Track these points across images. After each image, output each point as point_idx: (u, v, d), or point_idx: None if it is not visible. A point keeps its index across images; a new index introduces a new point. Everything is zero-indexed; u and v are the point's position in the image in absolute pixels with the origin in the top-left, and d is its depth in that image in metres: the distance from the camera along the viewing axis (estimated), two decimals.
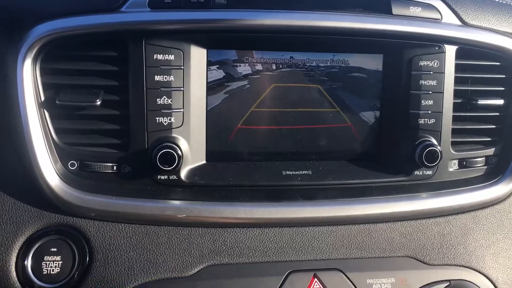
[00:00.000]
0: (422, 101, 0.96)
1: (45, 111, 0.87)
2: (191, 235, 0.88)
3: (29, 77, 0.84)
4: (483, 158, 1.03)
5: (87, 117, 0.88)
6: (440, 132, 0.97)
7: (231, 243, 0.88)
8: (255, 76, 0.94)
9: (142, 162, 0.89)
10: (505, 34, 1.00)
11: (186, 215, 0.86)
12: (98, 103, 0.86)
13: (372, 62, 0.97)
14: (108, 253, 0.85)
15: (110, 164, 0.89)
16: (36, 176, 0.85)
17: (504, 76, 1.02)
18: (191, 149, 0.91)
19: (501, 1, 1.05)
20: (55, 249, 0.85)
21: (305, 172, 0.96)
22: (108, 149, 0.89)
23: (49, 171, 0.85)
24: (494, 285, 0.97)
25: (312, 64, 0.95)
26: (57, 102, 0.85)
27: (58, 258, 0.84)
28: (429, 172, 0.98)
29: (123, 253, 0.86)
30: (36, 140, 0.85)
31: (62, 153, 0.88)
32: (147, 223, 0.87)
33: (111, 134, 0.89)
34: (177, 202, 0.88)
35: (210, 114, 0.93)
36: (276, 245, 0.90)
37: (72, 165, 0.88)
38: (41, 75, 0.86)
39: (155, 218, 0.86)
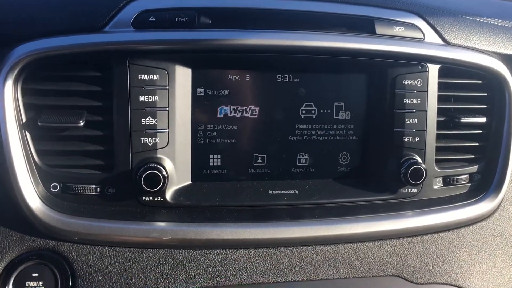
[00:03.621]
0: (407, 120, 0.97)
1: (26, 132, 0.85)
2: (176, 257, 0.86)
3: (10, 98, 0.83)
4: (467, 175, 1.03)
5: (70, 138, 0.87)
6: (425, 150, 0.98)
7: (218, 265, 0.87)
8: (240, 96, 0.93)
9: (127, 183, 0.87)
10: (486, 52, 1.02)
11: (171, 237, 0.85)
12: (81, 124, 0.85)
13: (357, 81, 0.98)
14: (91, 277, 0.84)
15: (94, 186, 0.87)
16: (17, 199, 0.83)
17: (486, 94, 1.04)
18: (177, 170, 0.90)
19: (482, 20, 1.07)
20: (36, 274, 0.83)
21: (292, 191, 0.95)
22: (92, 171, 0.88)
23: (31, 193, 0.84)
24: None
25: (298, 84, 0.95)
26: (39, 123, 0.84)
27: (40, 283, 0.83)
28: (414, 190, 0.99)
29: (106, 277, 0.84)
30: (17, 162, 0.83)
31: (44, 175, 0.86)
32: (131, 246, 0.85)
33: (94, 155, 0.88)
34: (162, 224, 0.87)
35: (196, 133, 0.92)
36: (263, 266, 0.89)
37: (54, 187, 0.87)
38: (23, 96, 0.85)
39: (140, 241, 0.85)
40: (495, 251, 1.01)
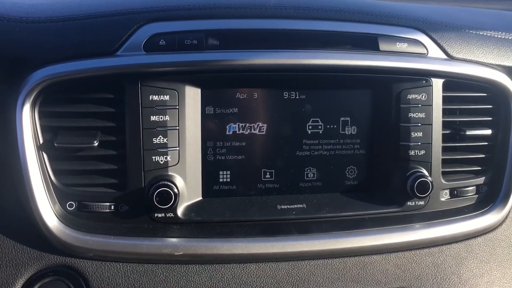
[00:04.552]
0: (412, 133, 0.98)
1: (43, 153, 0.89)
2: (188, 272, 0.89)
3: (28, 121, 0.86)
4: (474, 187, 1.04)
5: (85, 158, 0.90)
6: (431, 163, 0.99)
7: (228, 279, 0.89)
8: (248, 113, 0.96)
9: (139, 201, 0.90)
10: (490, 65, 1.03)
11: (183, 252, 0.87)
12: (96, 144, 0.88)
13: (363, 97, 1.00)
14: None
15: (108, 203, 0.90)
16: (35, 217, 0.86)
17: (491, 106, 1.05)
18: (187, 186, 0.93)
19: (485, 34, 1.08)
20: None
21: (300, 205, 0.97)
22: (106, 189, 0.91)
23: (48, 212, 0.87)
24: None
25: (304, 100, 0.97)
26: (55, 144, 0.87)
27: None
28: (421, 203, 1.00)
29: None
30: (35, 182, 0.87)
31: (60, 194, 0.89)
32: (144, 261, 0.88)
33: (108, 174, 0.91)
34: (174, 240, 0.89)
35: (206, 151, 0.95)
36: (272, 280, 0.91)
37: (70, 205, 0.90)
38: (40, 118, 0.88)
39: (152, 256, 0.88)
40: (503, 262, 1.01)
